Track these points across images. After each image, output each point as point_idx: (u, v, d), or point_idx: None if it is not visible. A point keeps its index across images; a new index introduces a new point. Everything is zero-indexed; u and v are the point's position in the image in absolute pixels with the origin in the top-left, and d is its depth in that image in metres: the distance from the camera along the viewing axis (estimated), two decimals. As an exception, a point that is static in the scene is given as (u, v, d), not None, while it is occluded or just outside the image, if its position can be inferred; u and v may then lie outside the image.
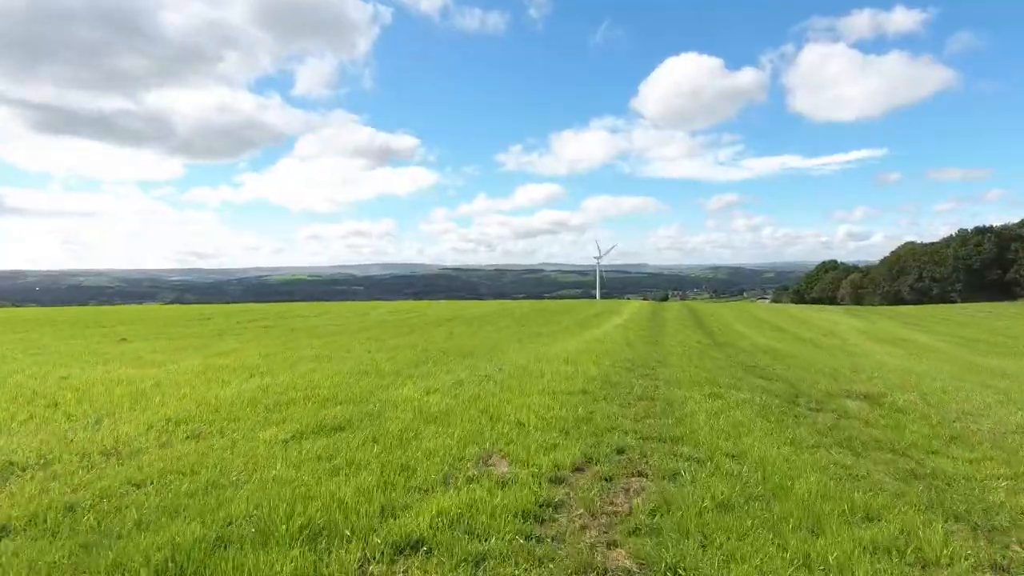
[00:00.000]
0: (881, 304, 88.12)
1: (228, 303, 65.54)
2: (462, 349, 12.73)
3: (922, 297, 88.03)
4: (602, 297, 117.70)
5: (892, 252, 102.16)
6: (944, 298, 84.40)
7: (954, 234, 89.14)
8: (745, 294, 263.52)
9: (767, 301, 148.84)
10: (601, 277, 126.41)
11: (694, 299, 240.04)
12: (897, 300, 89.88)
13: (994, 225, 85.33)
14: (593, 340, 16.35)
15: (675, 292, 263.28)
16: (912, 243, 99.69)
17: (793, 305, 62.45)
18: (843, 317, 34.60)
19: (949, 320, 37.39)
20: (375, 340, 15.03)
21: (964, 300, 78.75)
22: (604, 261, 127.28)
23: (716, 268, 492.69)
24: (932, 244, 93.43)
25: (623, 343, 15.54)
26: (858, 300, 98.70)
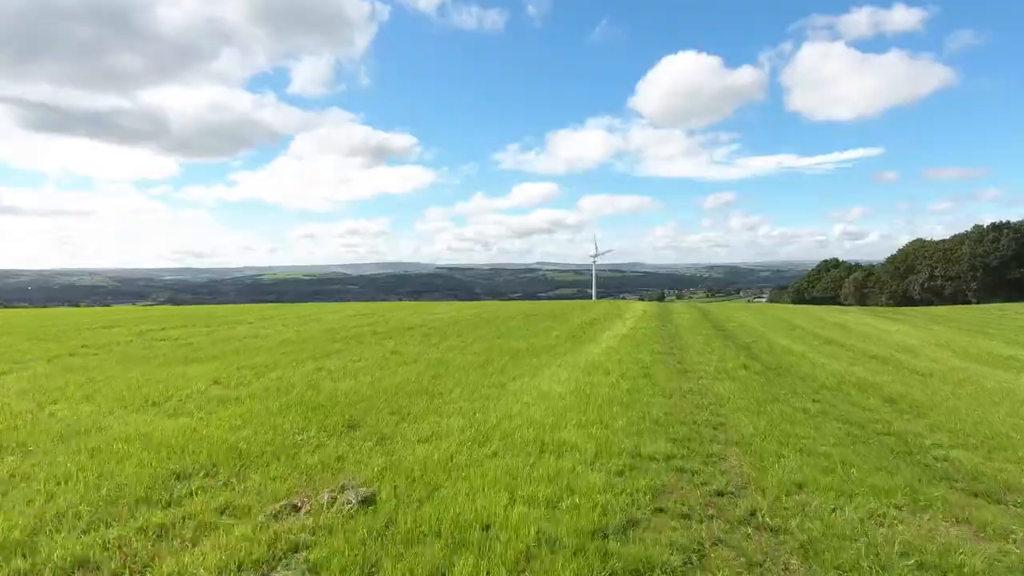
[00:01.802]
0: (888, 304, 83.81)
1: (221, 303, 59.19)
2: (363, 400, 7.37)
3: (933, 297, 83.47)
4: (598, 297, 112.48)
5: (899, 250, 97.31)
6: (957, 298, 79.81)
7: (969, 230, 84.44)
8: (741, 293, 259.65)
9: (763, 300, 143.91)
10: (597, 276, 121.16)
11: (691, 298, 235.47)
12: (906, 300, 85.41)
13: (1011, 221, 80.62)
14: (592, 366, 11.09)
15: (671, 291, 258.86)
16: (921, 240, 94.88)
17: (811, 306, 57.19)
18: (884, 322, 29.39)
19: (989, 321, 32.30)
20: (258, 369, 9.72)
21: (980, 300, 74.26)
22: (599, 260, 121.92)
23: (712, 267, 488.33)
24: (943, 242, 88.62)
25: (637, 372, 10.28)
26: (862, 299, 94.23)
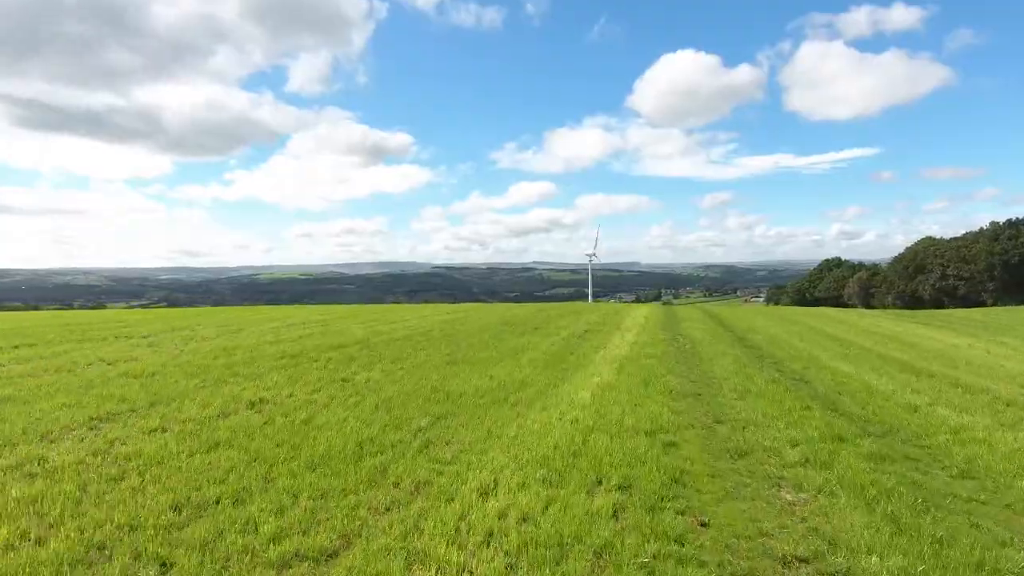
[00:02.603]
0: (895, 305, 79.38)
1: (216, 303, 55.19)
2: None
3: (945, 297, 78.96)
4: (594, 297, 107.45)
5: (907, 249, 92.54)
6: (971, 299, 75.27)
7: (985, 227, 79.96)
8: (739, 292, 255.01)
9: (761, 300, 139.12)
10: (593, 276, 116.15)
11: (688, 298, 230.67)
12: (914, 300, 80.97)
13: (1026, 218, 76.13)
14: (568, 447, 6.16)
15: (668, 291, 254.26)
16: (931, 238, 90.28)
17: (830, 309, 52.12)
18: (938, 332, 24.57)
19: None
20: None
21: (996, 301, 69.74)
22: (595, 260, 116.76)
23: (708, 266, 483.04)
24: (956, 240, 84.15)
25: (652, 463, 5.44)
26: (867, 300, 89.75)
